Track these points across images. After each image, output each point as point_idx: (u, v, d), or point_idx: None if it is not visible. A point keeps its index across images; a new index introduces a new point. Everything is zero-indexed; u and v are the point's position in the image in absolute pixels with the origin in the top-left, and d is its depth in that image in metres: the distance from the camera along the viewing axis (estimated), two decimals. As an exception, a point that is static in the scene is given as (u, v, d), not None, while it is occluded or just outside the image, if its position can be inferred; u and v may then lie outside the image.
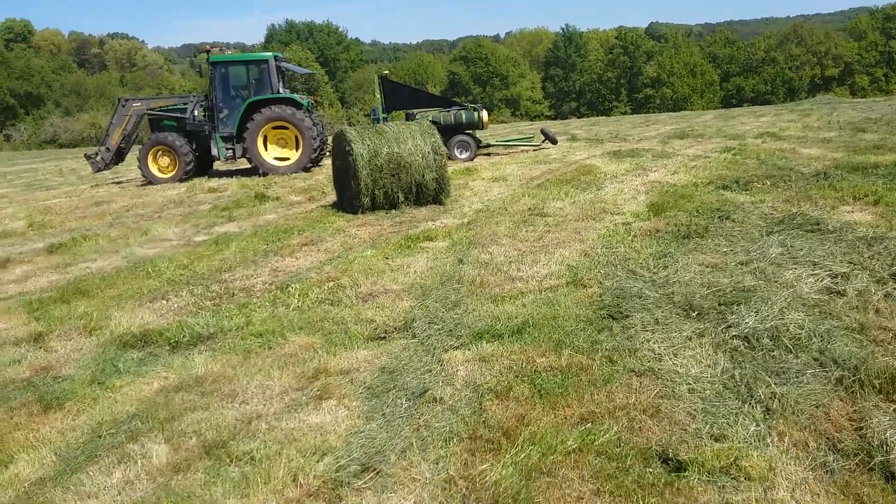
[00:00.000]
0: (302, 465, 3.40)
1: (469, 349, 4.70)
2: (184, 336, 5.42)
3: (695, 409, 3.64)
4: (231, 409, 4.12)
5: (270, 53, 16.26)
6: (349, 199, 10.38)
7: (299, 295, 6.33)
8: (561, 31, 79.40)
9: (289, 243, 8.63)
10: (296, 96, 16.04)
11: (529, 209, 9.56)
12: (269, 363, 4.75)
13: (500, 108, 71.06)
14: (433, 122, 16.67)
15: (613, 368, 4.19)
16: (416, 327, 5.17)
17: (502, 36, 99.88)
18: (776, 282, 5.41)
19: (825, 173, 10.29)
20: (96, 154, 16.45)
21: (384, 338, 5.13)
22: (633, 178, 11.68)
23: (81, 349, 5.40)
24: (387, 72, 19.00)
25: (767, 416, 3.52)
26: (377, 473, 3.30)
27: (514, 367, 4.31)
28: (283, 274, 7.25)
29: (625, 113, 63.74)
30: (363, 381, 4.35)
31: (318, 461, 3.43)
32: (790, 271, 5.62)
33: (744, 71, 69.51)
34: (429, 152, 10.36)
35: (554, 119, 63.20)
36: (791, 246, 6.38)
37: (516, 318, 5.16)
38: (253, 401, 4.23)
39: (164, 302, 6.52)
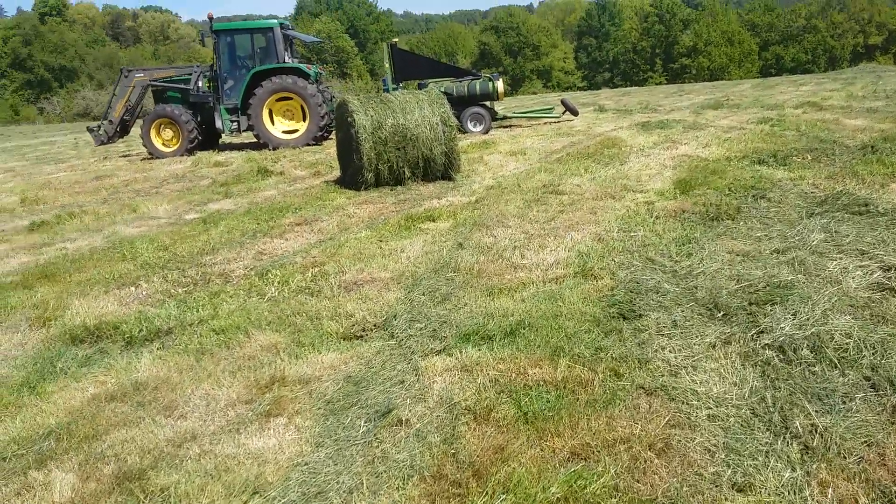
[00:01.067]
0: (222, 510, 2.77)
1: (451, 355, 4.02)
2: (140, 330, 4.82)
3: (714, 445, 2.93)
4: (164, 427, 3.50)
5: (276, 20, 15.54)
6: (352, 174, 9.71)
7: (278, 283, 5.71)
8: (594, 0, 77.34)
9: (281, 223, 8.00)
10: (301, 66, 15.30)
11: (544, 186, 8.80)
12: (221, 367, 4.12)
13: (531, 80, 69.69)
14: (444, 93, 15.92)
15: (618, 385, 3.48)
16: (397, 326, 4.50)
17: (535, 5, 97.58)
18: (818, 276, 4.63)
19: (872, 146, 9.37)
20: (98, 127, 15.92)
21: (360, 336, 4.47)
22: (660, 152, 10.83)
23: (25, 344, 4.83)
24: (396, 40, 18.14)
25: (805, 458, 2.80)
26: (310, 525, 2.65)
27: (501, 381, 3.63)
28: (267, 257, 6.63)
29: (659, 83, 61.90)
30: (323, 394, 3.71)
31: (243, 505, 2.80)
32: (834, 262, 4.83)
33: (783, 39, 67.00)
34: (437, 123, 9.62)
35: (586, 90, 61.78)
36: (835, 231, 5.57)
37: (512, 315, 4.46)
38: (192, 416, 3.61)
39: (133, 289, 5.94)
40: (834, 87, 21.44)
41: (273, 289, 5.59)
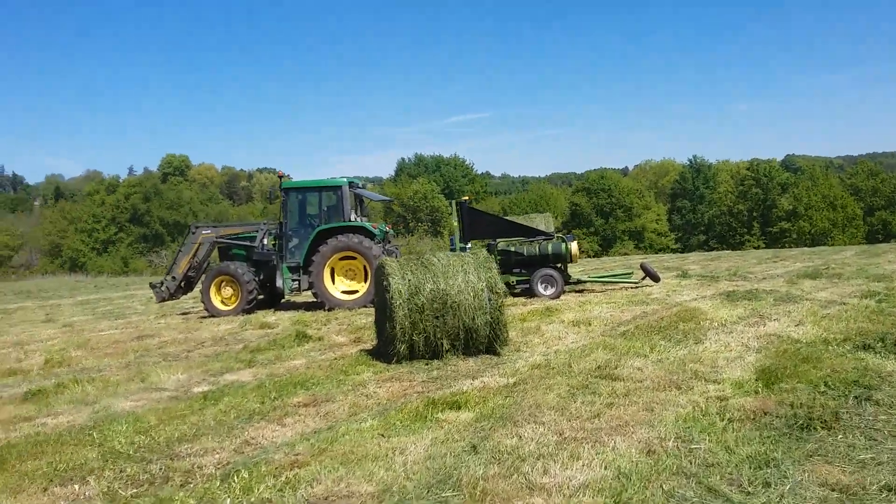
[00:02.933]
0: None
1: None
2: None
3: None
4: None
5: (344, 179, 15.37)
6: (385, 343, 8.72)
7: (240, 490, 4.61)
8: (689, 162, 77.26)
9: (288, 402, 6.98)
10: (367, 224, 14.88)
11: (598, 367, 7.50)
12: None
13: (623, 240, 68.85)
14: (515, 253, 15.06)
15: None
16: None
17: (630, 168, 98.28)
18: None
19: None
20: (161, 283, 15.79)
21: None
22: (744, 329, 9.38)
23: None
24: (466, 198, 17.70)
25: None
26: None
27: None
28: (250, 449, 5.56)
29: (758, 247, 59.69)
30: None
31: None
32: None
33: (890, 204, 64.07)
34: (482, 290, 8.61)
35: (680, 251, 60.24)
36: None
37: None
38: None
39: (76, 487, 4.95)
40: (952, 255, 19.36)
41: (228, 499, 4.48)
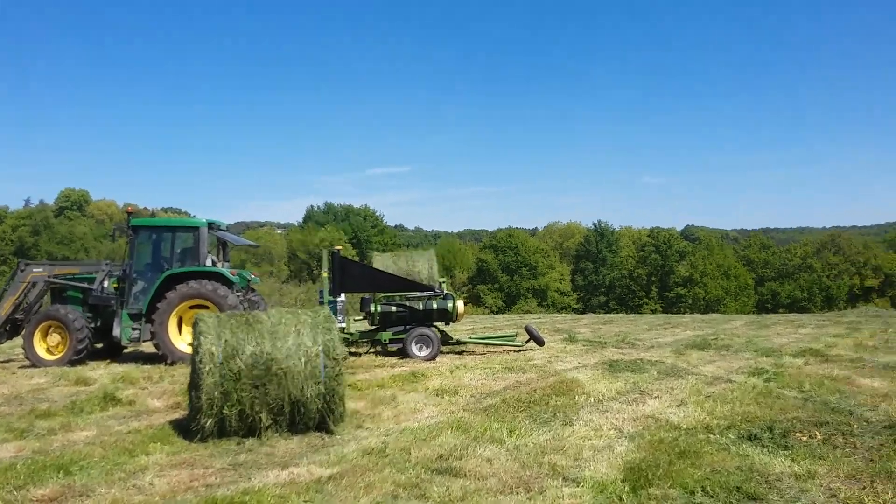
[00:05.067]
0: None
1: None
2: None
3: None
4: None
5: (204, 220, 13.71)
6: (194, 413, 7.11)
7: None
8: (594, 226, 78.58)
9: (30, 495, 5.31)
10: (224, 270, 13.19)
11: (440, 457, 6.15)
12: None
13: (526, 298, 68.82)
14: (398, 310, 13.70)
15: None
16: None
17: (540, 228, 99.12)
18: None
19: (906, 427, 6.81)
20: (-20, 326, 13.57)
21: None
22: (621, 407, 8.28)
23: None
24: (339, 247, 16.25)
25: None
26: None
27: None
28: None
29: (654, 310, 60.56)
30: None
31: None
32: None
33: (779, 276, 66.59)
34: (317, 355, 7.18)
35: (581, 312, 60.36)
36: None
37: None
38: None
39: None
40: (837, 331, 19.19)
41: None
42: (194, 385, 7.02)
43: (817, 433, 6.92)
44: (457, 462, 5.97)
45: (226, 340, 7.01)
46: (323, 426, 7.20)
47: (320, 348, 7.24)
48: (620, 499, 5.06)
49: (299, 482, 5.54)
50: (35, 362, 12.85)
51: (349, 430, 7.35)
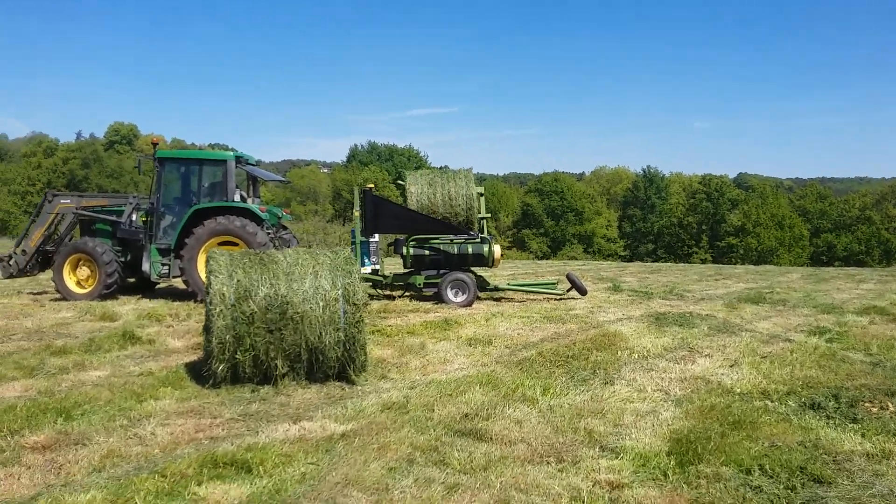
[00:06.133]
0: None
1: None
2: None
3: None
4: None
5: (231, 153, 13.20)
6: (207, 356, 6.67)
7: None
8: (642, 172, 76.46)
9: (23, 441, 4.96)
10: (253, 206, 12.71)
11: (466, 415, 5.61)
12: None
13: (572, 244, 67.77)
14: (431, 254, 13.08)
15: None
16: None
17: (587, 173, 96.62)
18: None
19: None
20: (9, 257, 13.39)
21: None
22: (667, 366, 7.62)
23: None
24: (371, 185, 15.57)
25: None
26: None
27: None
28: None
29: (704, 260, 58.96)
30: None
31: None
32: None
33: (836, 228, 64.02)
34: (335, 299, 6.64)
35: (628, 260, 59.19)
36: None
37: None
38: None
39: None
40: (902, 287, 18.04)
41: None
42: (207, 328, 6.57)
43: (889, 404, 6.18)
44: (483, 423, 5.42)
45: (238, 281, 6.51)
46: (343, 375, 6.73)
47: (340, 292, 6.70)
48: (665, 475, 4.45)
49: (309, 439, 5.05)
50: (65, 295, 12.69)
51: (371, 380, 6.86)
